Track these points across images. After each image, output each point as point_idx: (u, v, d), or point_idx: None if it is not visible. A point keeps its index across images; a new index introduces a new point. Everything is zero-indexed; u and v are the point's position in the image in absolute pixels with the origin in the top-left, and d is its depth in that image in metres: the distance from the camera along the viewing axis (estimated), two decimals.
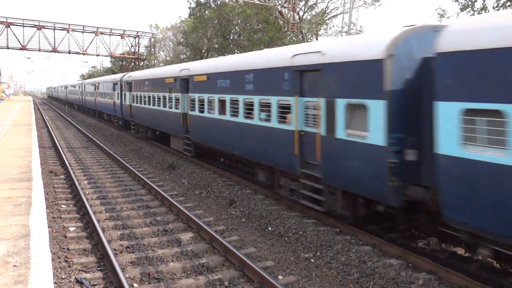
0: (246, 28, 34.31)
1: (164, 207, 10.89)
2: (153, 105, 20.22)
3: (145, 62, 57.27)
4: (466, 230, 6.14)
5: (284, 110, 9.80)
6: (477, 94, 5.49)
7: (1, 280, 4.23)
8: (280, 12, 28.05)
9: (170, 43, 58.76)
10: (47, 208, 9.86)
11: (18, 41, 48.53)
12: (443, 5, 78.25)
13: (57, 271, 6.95)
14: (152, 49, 57.66)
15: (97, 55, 55.16)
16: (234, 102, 12.14)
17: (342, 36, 22.33)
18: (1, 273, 4.40)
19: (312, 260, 7.79)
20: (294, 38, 31.52)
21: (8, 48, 48.19)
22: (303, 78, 9.28)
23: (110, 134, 28.51)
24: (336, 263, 7.49)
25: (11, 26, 47.80)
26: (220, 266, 7.46)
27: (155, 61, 57.95)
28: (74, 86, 56.88)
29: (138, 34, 56.25)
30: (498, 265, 7.20)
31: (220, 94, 13.02)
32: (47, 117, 41.39)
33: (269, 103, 10.38)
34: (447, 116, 5.86)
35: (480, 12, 20.10)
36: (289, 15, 27.08)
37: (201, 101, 14.57)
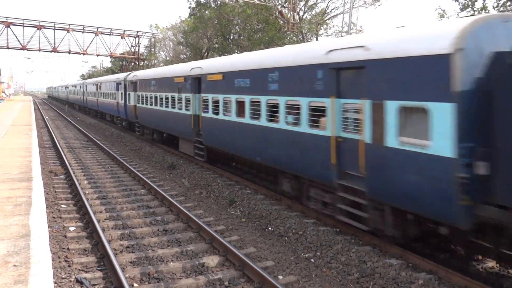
0: (246, 28, 34.31)
1: (164, 207, 10.89)
2: (160, 106, 19.12)
3: (145, 62, 57.32)
4: None
5: (317, 113, 8.75)
6: None
7: (1, 280, 4.23)
8: (280, 12, 28.06)
9: (170, 43, 58.83)
10: (47, 208, 9.86)
11: (18, 41, 48.59)
12: (443, 5, 78.25)
13: (57, 271, 6.95)
14: (152, 49, 57.70)
15: (97, 55, 55.25)
16: (255, 104, 11.09)
17: (349, 34, 22.31)
18: (1, 273, 4.40)
19: (312, 260, 7.79)
20: (294, 38, 31.52)
21: (8, 48, 48.24)
22: (340, 77, 8.17)
23: (110, 134, 28.51)
24: (336, 263, 7.49)
25: (11, 26, 47.84)
26: (220, 266, 7.46)
27: (155, 61, 57.98)
28: (75, 86, 56.22)
29: (138, 34, 56.31)
30: (498, 265, 7.20)
31: (238, 94, 11.90)
32: (47, 117, 41.39)
33: (298, 105, 9.33)
34: None
35: (480, 12, 20.10)
36: (289, 15, 27.08)
37: (216, 102, 13.48)
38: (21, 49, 49.23)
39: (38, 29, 49.34)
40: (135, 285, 6.66)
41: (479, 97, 5.94)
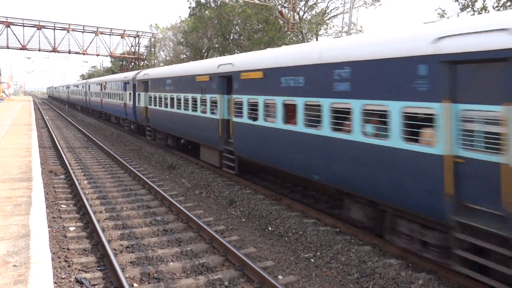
0: (246, 28, 34.33)
1: (164, 207, 10.89)
2: (178, 108, 16.93)
3: (145, 62, 57.39)
4: None
5: (416, 122, 6.66)
6: None
7: (1, 280, 4.23)
8: (280, 12, 28.09)
9: (170, 43, 58.86)
10: (47, 208, 9.87)
11: (18, 41, 48.68)
12: (443, 5, 78.24)
13: (57, 271, 6.95)
14: (152, 49, 57.76)
15: (97, 55, 55.35)
16: (313, 108, 8.95)
17: (349, 35, 22.26)
18: (1, 273, 4.40)
19: (312, 260, 7.79)
20: (294, 38, 31.54)
21: (8, 48, 48.34)
22: (458, 74, 6.05)
23: (110, 134, 28.52)
24: (336, 263, 7.49)
25: (11, 26, 47.92)
26: (220, 266, 7.46)
27: (155, 61, 58.05)
28: (77, 86, 54.44)
29: (138, 34, 56.41)
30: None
31: (287, 96, 9.79)
32: (47, 117, 41.40)
33: (383, 111, 7.13)
34: None
35: (480, 12, 20.10)
36: (289, 15, 27.10)
37: (253, 105, 11.42)
38: (21, 49, 49.32)
39: (38, 29, 49.42)
40: (135, 285, 6.66)
41: None
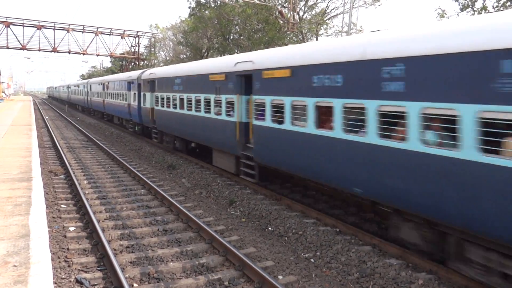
0: (246, 28, 34.33)
1: (164, 207, 10.89)
2: (188, 109, 15.79)
3: (145, 62, 57.42)
4: None
5: (498, 130, 5.52)
6: None
7: (1, 280, 4.23)
8: (280, 12, 28.08)
9: (170, 43, 58.86)
10: (47, 208, 9.87)
11: (18, 41, 48.68)
12: (443, 5, 78.26)
13: (57, 271, 6.95)
14: (152, 49, 57.77)
15: (97, 55, 55.36)
16: (354, 112, 7.85)
17: (349, 35, 22.29)
18: (1, 273, 4.40)
19: (312, 260, 7.79)
20: (294, 38, 31.55)
21: (8, 48, 48.35)
22: None
23: (110, 134, 28.52)
24: (336, 263, 7.49)
25: (11, 26, 47.92)
26: (220, 266, 7.46)
27: (155, 61, 58.08)
28: (78, 86, 53.38)
29: (138, 34, 56.41)
30: None
31: (320, 97, 8.70)
32: (47, 117, 41.41)
33: (451, 115, 5.98)
34: None
35: (480, 12, 20.10)
36: (289, 15, 27.10)
37: (278, 107, 10.29)
38: (21, 49, 49.31)
39: (38, 29, 49.42)
40: (135, 285, 6.66)
41: None
